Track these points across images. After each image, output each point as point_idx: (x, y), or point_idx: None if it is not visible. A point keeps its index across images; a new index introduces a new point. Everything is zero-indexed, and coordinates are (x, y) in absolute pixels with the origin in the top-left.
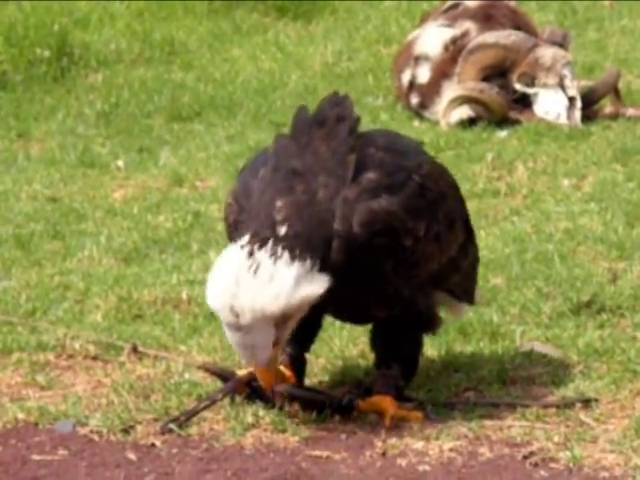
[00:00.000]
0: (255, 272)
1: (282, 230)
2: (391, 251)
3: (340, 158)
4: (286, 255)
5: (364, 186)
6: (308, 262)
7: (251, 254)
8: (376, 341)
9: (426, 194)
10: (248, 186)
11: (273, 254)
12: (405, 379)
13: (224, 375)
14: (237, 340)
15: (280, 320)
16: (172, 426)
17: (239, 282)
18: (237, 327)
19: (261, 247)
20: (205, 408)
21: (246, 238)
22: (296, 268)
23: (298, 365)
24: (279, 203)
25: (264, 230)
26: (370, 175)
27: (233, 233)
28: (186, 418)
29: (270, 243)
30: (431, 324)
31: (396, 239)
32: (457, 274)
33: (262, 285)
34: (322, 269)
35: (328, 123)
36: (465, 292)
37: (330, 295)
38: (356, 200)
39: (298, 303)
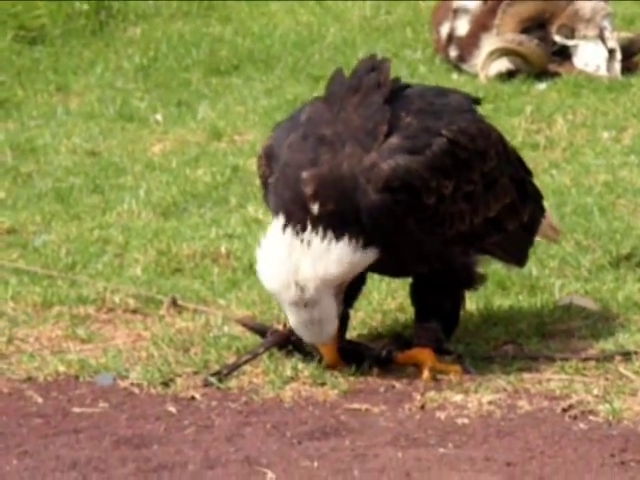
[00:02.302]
0: (309, 246)
1: (315, 208)
2: (412, 209)
3: (371, 127)
4: (330, 234)
5: (383, 150)
6: (353, 239)
7: (298, 234)
8: (416, 296)
9: (457, 153)
10: (279, 145)
11: (319, 234)
12: (446, 334)
13: (262, 330)
14: (305, 318)
15: (338, 289)
16: (212, 379)
17: (296, 258)
18: (303, 303)
19: (304, 228)
20: (247, 362)
21: (281, 218)
22: (345, 242)
23: (342, 320)
24: (305, 175)
25: (296, 207)
26: (392, 140)
27: (264, 188)
28: (228, 371)
29: (309, 224)
30: (470, 281)
31: (417, 197)
32: (497, 235)
33: (320, 255)
34: (363, 241)
35: (363, 89)
36: (510, 254)
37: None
38: (373, 165)
39: (352, 269)
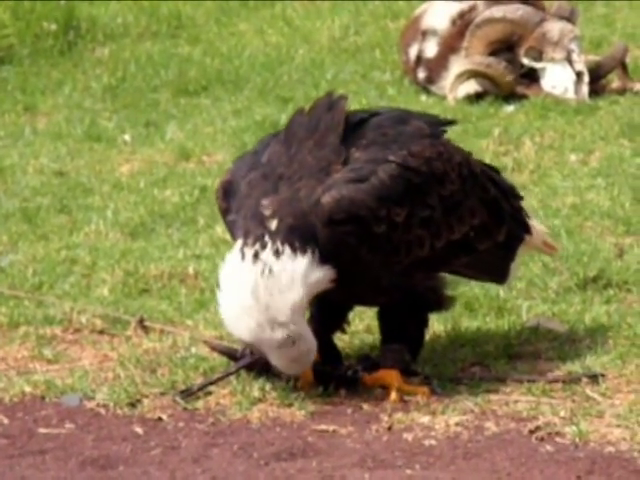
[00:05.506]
0: (270, 274)
1: (273, 224)
2: (361, 239)
3: (324, 166)
4: (287, 249)
5: (326, 185)
6: (309, 253)
7: (256, 256)
8: (382, 318)
9: (409, 177)
10: (237, 182)
11: (276, 252)
12: (411, 355)
13: (229, 352)
14: (293, 355)
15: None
16: (179, 400)
17: (262, 298)
18: (291, 341)
19: (263, 247)
20: (219, 380)
21: (240, 240)
22: (301, 260)
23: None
24: (265, 202)
25: (254, 226)
26: (336, 175)
27: (224, 219)
28: (198, 389)
29: (267, 239)
30: (439, 304)
31: (365, 227)
32: (466, 256)
33: (284, 284)
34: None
35: (320, 131)
36: (484, 273)
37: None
38: (317, 200)
39: (312, 291)
